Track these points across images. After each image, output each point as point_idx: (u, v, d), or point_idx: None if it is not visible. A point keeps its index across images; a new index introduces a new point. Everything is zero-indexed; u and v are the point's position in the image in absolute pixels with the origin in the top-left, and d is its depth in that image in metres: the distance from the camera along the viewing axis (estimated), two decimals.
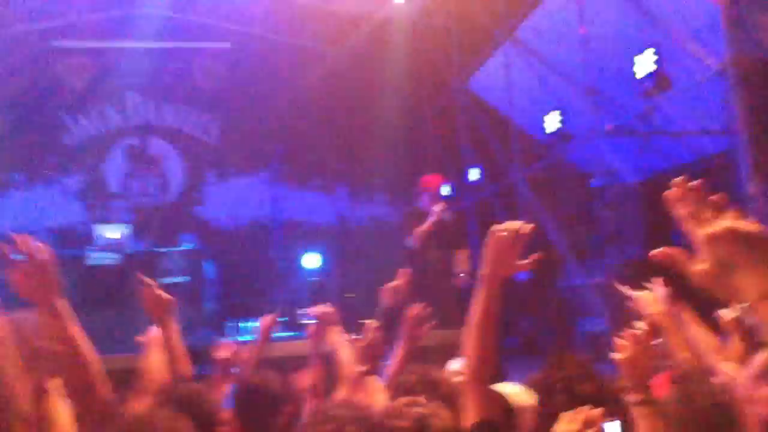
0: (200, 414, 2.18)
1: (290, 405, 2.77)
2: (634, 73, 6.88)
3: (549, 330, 8.69)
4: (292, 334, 7.63)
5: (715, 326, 2.71)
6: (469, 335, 2.05)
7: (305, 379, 3.20)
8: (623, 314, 2.89)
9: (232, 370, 3.51)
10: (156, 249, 7.93)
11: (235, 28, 10.13)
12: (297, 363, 3.66)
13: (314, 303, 3.75)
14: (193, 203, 10.54)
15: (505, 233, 2.02)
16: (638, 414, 2.07)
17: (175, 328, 2.94)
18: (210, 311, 7.86)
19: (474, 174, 9.98)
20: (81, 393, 2.14)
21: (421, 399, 1.67)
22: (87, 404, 2.12)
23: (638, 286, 2.92)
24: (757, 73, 5.95)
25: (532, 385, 2.68)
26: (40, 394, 1.74)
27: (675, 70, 6.76)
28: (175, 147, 10.62)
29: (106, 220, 9.24)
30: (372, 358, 2.93)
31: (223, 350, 3.53)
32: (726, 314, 2.66)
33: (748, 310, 1.02)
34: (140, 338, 3.00)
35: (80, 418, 2.13)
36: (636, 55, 6.84)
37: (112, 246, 7.56)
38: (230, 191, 10.55)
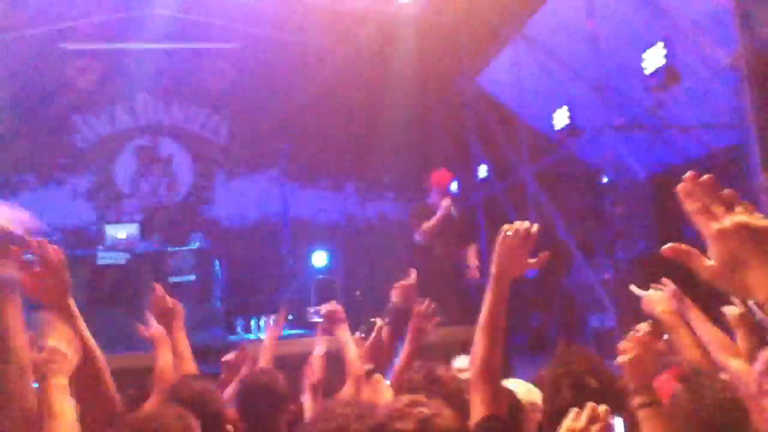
0: (207, 412, 2.18)
1: (294, 403, 2.78)
2: (643, 68, 6.84)
3: (557, 326, 8.67)
4: (300, 331, 7.65)
5: (724, 322, 2.70)
6: (478, 333, 2.09)
7: (310, 377, 3.21)
8: (631, 311, 2.88)
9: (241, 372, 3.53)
10: (165, 248, 7.94)
11: (243, 27, 10.15)
12: (306, 361, 3.68)
13: (322, 301, 3.75)
14: (202, 202, 10.57)
15: (514, 233, 2.07)
16: (643, 416, 2.07)
17: (182, 333, 2.95)
18: (219, 310, 7.87)
19: (482, 170, 9.95)
20: (88, 392, 2.15)
21: (424, 398, 1.66)
22: (94, 404, 2.13)
23: (648, 282, 2.91)
24: (766, 67, 5.91)
25: (540, 381, 2.69)
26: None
27: (684, 65, 6.72)
28: (184, 147, 10.66)
29: (115, 220, 9.28)
30: (379, 356, 2.94)
31: (232, 355, 3.58)
32: (731, 311, 2.65)
33: (759, 306, 1.01)
34: (142, 331, 3.01)
35: (86, 417, 2.14)
36: (645, 49, 6.79)
37: (121, 245, 7.58)
38: (239, 190, 10.57)
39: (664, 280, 2.82)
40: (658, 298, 2.78)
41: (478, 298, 2.16)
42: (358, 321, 3.43)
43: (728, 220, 1.03)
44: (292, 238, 9.17)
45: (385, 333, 3.17)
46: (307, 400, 2.98)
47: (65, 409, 1.79)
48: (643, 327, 2.21)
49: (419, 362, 2.90)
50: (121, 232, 7.89)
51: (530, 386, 2.71)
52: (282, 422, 2.64)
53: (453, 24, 9.53)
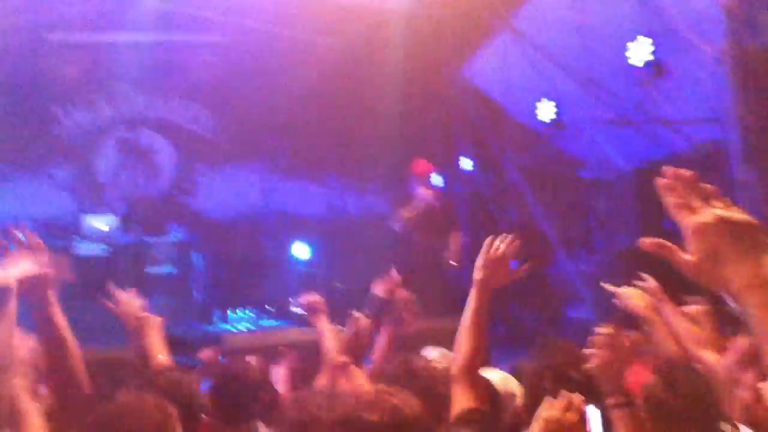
0: (184, 401, 2.19)
1: (268, 392, 2.79)
2: (629, 62, 6.85)
3: (536, 317, 8.70)
4: (281, 322, 7.63)
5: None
6: (462, 333, 2.26)
7: (285, 366, 3.21)
8: (610, 304, 2.93)
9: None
10: (144, 240, 7.88)
11: (228, 19, 10.05)
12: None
13: (303, 293, 3.75)
14: (184, 194, 10.50)
15: (496, 251, 2.29)
16: (617, 416, 2.09)
17: (154, 335, 2.93)
18: (197, 301, 7.84)
19: (467, 163, 9.95)
20: (62, 384, 2.14)
21: (393, 389, 1.66)
22: (68, 395, 2.13)
23: (629, 275, 2.96)
24: (752, 62, 5.94)
25: (520, 371, 2.72)
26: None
27: (670, 59, 6.74)
28: (167, 139, 10.57)
29: (95, 211, 9.19)
30: (356, 348, 2.94)
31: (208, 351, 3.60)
32: (693, 308, 2.72)
33: (733, 297, 1.01)
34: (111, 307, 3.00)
35: (60, 408, 2.13)
36: (631, 44, 6.81)
37: (100, 237, 7.52)
38: (222, 182, 10.52)
39: (644, 275, 2.86)
40: (633, 293, 2.85)
41: (458, 290, 2.24)
42: (338, 313, 3.41)
43: (706, 214, 1.04)
44: (274, 231, 9.13)
45: (365, 325, 3.17)
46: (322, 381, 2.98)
47: (31, 410, 1.85)
48: (604, 329, 2.23)
49: (397, 353, 2.91)
50: (100, 223, 7.83)
51: (507, 376, 2.72)
52: (255, 411, 2.65)
53: (440, 17, 9.49)
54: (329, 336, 3.15)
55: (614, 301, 2.89)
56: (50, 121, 10.15)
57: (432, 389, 2.29)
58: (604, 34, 7.46)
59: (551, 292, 8.57)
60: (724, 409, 1.99)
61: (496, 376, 2.70)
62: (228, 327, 7.56)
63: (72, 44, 10.01)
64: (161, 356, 2.85)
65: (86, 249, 7.23)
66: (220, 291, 8.50)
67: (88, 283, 6.80)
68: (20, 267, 1.99)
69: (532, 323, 8.60)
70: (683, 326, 2.63)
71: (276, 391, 3.00)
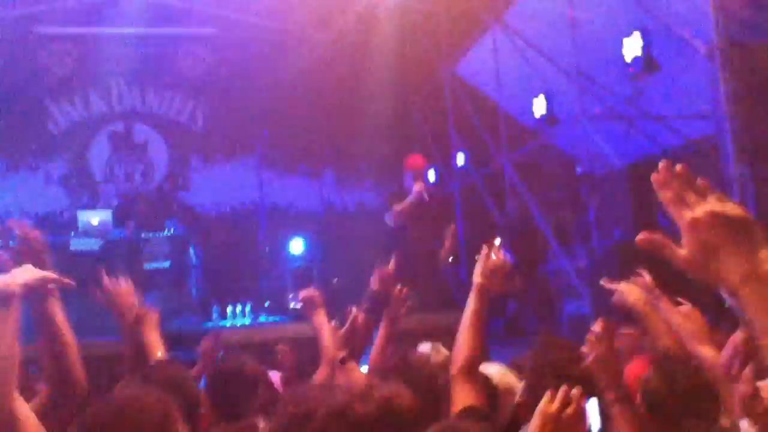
0: (183, 396, 2.18)
1: (265, 388, 2.79)
2: (622, 57, 6.87)
3: (532, 313, 8.73)
4: (277, 318, 7.63)
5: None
6: (462, 333, 2.28)
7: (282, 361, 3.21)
8: (606, 298, 2.95)
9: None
10: (140, 235, 7.86)
11: (220, 12, 10.01)
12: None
13: (299, 288, 3.76)
14: (178, 189, 10.47)
15: (496, 260, 2.34)
16: (615, 411, 2.12)
17: (151, 329, 2.92)
18: (194, 296, 7.83)
19: (460, 159, 9.96)
20: (59, 378, 2.15)
21: (387, 382, 1.68)
22: (67, 392, 2.14)
23: (624, 269, 2.97)
24: (743, 57, 5.96)
25: (518, 367, 2.74)
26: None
27: (663, 54, 6.76)
28: (160, 133, 10.54)
29: (89, 206, 9.15)
30: (353, 343, 2.95)
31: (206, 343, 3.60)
32: (684, 307, 2.74)
33: (729, 293, 1.01)
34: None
35: (59, 405, 2.14)
36: (623, 39, 6.83)
37: (95, 232, 7.49)
38: (216, 177, 10.50)
39: (640, 270, 2.88)
40: (630, 289, 2.86)
41: (453, 285, 2.26)
42: (335, 308, 3.43)
43: (701, 209, 1.03)
44: (269, 226, 9.12)
45: (361, 320, 3.18)
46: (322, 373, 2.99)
47: (26, 413, 1.84)
48: (596, 327, 2.27)
49: (394, 348, 2.93)
50: (94, 218, 7.80)
51: (505, 370, 2.74)
52: (252, 406, 2.65)
53: (432, 12, 9.49)
54: (327, 331, 3.15)
55: (611, 296, 2.91)
56: (43, 117, 10.10)
57: (430, 383, 2.32)
58: (596, 29, 7.47)
59: (547, 287, 8.60)
60: (723, 404, 2.01)
61: (494, 369, 2.72)
62: (225, 322, 7.56)
63: (63, 38, 9.96)
64: (159, 351, 2.85)
65: (81, 244, 7.19)
66: (217, 286, 8.49)
67: (83, 279, 6.77)
68: (26, 272, 2.00)
69: (529, 318, 8.64)
70: (680, 321, 2.62)
71: (273, 386, 3.01)
